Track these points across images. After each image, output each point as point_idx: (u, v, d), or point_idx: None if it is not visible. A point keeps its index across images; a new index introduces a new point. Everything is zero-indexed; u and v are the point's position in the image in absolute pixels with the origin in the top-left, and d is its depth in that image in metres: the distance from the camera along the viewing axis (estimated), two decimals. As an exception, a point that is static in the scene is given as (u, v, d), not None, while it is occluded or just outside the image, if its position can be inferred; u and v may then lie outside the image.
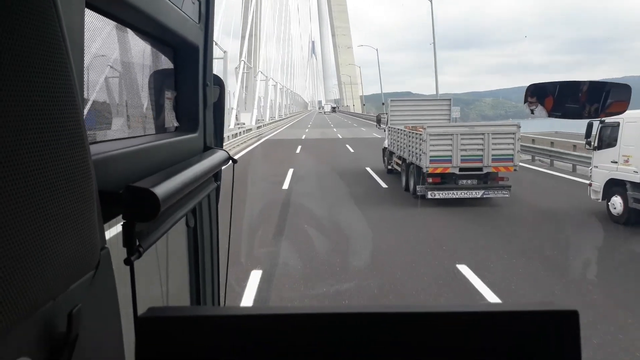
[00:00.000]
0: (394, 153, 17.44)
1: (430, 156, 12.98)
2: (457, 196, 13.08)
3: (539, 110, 2.62)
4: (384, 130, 19.57)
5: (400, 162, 16.30)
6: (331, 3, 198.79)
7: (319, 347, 0.73)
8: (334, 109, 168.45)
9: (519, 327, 0.74)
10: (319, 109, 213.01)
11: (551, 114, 2.62)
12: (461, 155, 13.00)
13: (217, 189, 1.77)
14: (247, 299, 6.75)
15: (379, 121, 20.68)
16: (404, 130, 15.73)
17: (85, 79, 0.86)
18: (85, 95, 0.89)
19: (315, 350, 0.73)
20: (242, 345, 0.72)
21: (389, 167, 18.53)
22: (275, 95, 76.64)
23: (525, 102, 2.62)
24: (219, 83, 1.80)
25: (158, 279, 1.50)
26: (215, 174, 1.59)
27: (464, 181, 13.26)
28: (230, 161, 1.73)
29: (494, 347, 0.74)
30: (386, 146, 18.98)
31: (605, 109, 2.50)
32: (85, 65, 0.86)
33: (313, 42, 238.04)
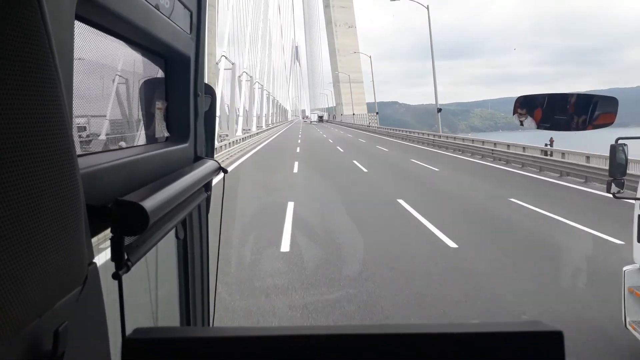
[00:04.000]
0: None
1: None
2: None
3: (528, 121, 2.65)
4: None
5: None
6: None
7: None
8: (320, 119, 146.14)
9: (500, 349, 0.73)
10: (303, 118, 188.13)
11: (540, 125, 2.65)
12: None
13: (208, 200, 1.76)
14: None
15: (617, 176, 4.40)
16: None
17: (75, 90, 0.85)
18: (75, 107, 0.87)
19: None
20: None
21: None
22: (256, 100, 66.29)
23: (514, 114, 2.66)
24: (210, 92, 1.79)
25: (147, 292, 1.48)
26: (205, 184, 1.58)
27: None
28: (221, 171, 1.72)
29: None
30: None
31: (593, 121, 2.54)
32: (74, 76, 0.84)
33: (297, 47, 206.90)
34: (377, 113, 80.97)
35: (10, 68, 0.52)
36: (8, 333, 0.52)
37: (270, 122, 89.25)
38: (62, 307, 0.66)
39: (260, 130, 61.83)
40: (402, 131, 56.17)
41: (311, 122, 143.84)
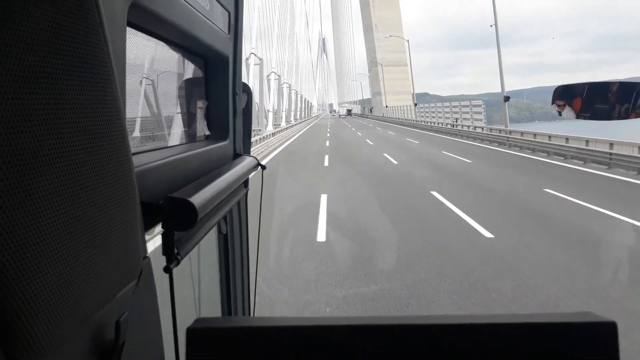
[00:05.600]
0: None
1: None
2: None
3: (567, 111, 2.59)
4: None
5: None
6: None
7: (357, 357, 0.74)
8: (349, 112, 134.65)
9: (554, 339, 0.74)
10: (331, 112, 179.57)
11: (579, 115, 2.58)
12: None
13: (246, 195, 1.80)
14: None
15: None
16: None
17: (127, 92, 0.89)
18: (126, 108, 0.91)
19: None
20: (284, 356, 0.73)
21: None
22: (285, 98, 62.76)
23: (552, 104, 2.60)
24: (247, 90, 1.83)
25: (191, 285, 1.53)
26: (244, 181, 1.62)
27: None
28: (259, 167, 1.76)
29: (530, 358, 0.74)
30: None
31: (637, 109, 2.46)
32: (125, 78, 0.88)
33: (324, 40, 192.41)
34: (506, 98, 34.39)
35: (74, 73, 0.55)
36: (77, 324, 0.56)
37: (298, 117, 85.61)
38: (121, 298, 0.70)
39: (290, 125, 60.85)
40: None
41: (339, 116, 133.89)
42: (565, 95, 2.61)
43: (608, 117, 2.50)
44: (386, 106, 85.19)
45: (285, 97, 63.90)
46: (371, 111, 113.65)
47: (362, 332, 0.74)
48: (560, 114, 2.52)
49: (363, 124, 71.99)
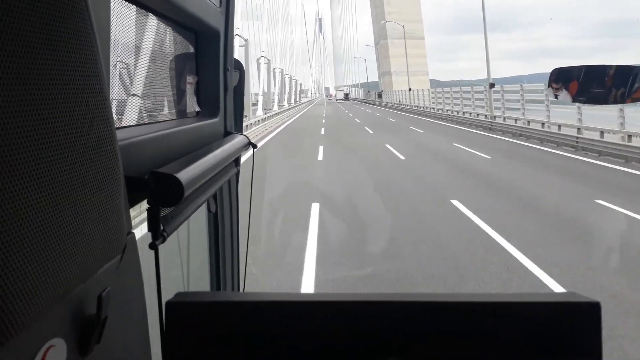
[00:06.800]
0: None
1: None
2: None
3: (564, 94, 2.57)
4: None
5: None
6: None
7: (340, 333, 0.74)
8: (346, 96, 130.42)
9: (541, 318, 0.74)
10: (327, 96, 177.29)
11: (576, 98, 2.57)
12: None
13: (237, 174, 1.79)
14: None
15: None
16: None
17: (111, 64, 0.87)
18: (110, 81, 0.90)
19: (336, 337, 0.74)
20: (266, 330, 0.73)
21: None
22: (287, 86, 62.31)
23: (549, 87, 2.59)
24: (239, 67, 1.80)
25: (179, 263, 1.53)
26: (235, 159, 1.61)
27: None
28: (251, 146, 1.74)
29: (514, 336, 0.74)
30: None
31: (632, 94, 2.44)
32: (110, 50, 0.86)
33: (320, 19, 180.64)
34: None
35: (55, 45, 0.54)
36: (56, 297, 0.55)
37: (297, 100, 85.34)
38: (104, 274, 0.69)
39: (291, 106, 65.23)
40: None
41: (336, 100, 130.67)
42: (562, 78, 2.59)
43: (604, 101, 2.49)
44: (410, 89, 56.83)
45: (287, 85, 65.40)
46: (380, 96, 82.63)
47: (344, 308, 0.74)
48: (556, 97, 2.50)
49: (377, 116, 45.39)
